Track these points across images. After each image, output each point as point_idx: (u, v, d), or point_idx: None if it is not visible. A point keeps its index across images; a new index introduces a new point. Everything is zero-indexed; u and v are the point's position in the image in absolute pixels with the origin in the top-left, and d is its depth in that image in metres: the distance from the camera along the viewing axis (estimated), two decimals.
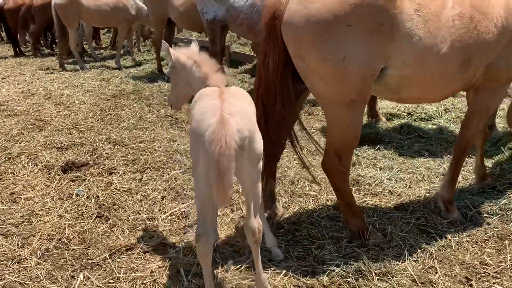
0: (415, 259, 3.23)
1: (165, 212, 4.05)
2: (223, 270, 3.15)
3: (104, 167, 5.03)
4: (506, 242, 3.40)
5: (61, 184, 4.67)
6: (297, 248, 3.41)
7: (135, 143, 5.79)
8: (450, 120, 6.01)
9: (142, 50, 13.44)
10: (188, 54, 3.30)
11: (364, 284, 2.96)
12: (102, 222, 3.94)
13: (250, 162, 2.46)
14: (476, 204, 3.91)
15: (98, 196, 4.35)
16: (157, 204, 4.21)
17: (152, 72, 10.56)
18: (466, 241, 3.44)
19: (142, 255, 3.41)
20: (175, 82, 3.38)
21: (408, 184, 4.39)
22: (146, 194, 4.40)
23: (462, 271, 3.08)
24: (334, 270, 3.09)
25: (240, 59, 10.03)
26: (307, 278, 3.05)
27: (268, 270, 3.11)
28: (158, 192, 4.42)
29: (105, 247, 3.53)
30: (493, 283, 2.95)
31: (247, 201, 2.60)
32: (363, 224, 3.43)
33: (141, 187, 4.56)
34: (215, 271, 3.12)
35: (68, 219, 3.95)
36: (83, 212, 4.09)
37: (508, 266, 3.10)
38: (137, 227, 3.82)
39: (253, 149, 2.47)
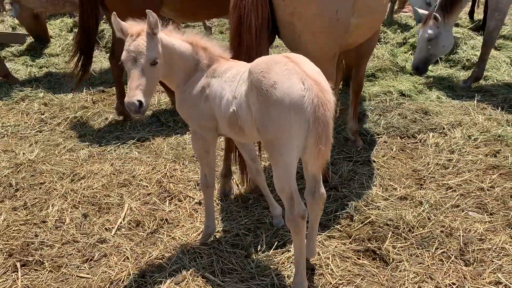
0: (373, 183, 3.76)
1: (108, 229, 3.33)
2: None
3: None
4: (409, 151, 4.31)
5: None
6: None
7: None
8: None
9: None
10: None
11: (365, 217, 3.31)
12: (37, 269, 2.96)
13: None
14: (367, 130, 4.70)
15: None
16: (85, 224, 3.39)
17: None
18: (386, 159, 4.17)
19: (141, 281, 2.81)
20: (160, 71, 2.60)
21: None
22: (57, 218, 3.46)
23: (409, 180, 3.79)
24: (338, 216, 3.32)
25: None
26: (323, 230, 3.18)
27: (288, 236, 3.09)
28: (70, 212, 3.54)
29: None
30: (437, 180, 3.76)
31: (317, 169, 2.47)
32: (326, 170, 3.71)
33: (38, 213, 3.53)
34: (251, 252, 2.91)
35: None
36: None
37: (433, 167, 3.97)
38: (94, 257, 3.05)
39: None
